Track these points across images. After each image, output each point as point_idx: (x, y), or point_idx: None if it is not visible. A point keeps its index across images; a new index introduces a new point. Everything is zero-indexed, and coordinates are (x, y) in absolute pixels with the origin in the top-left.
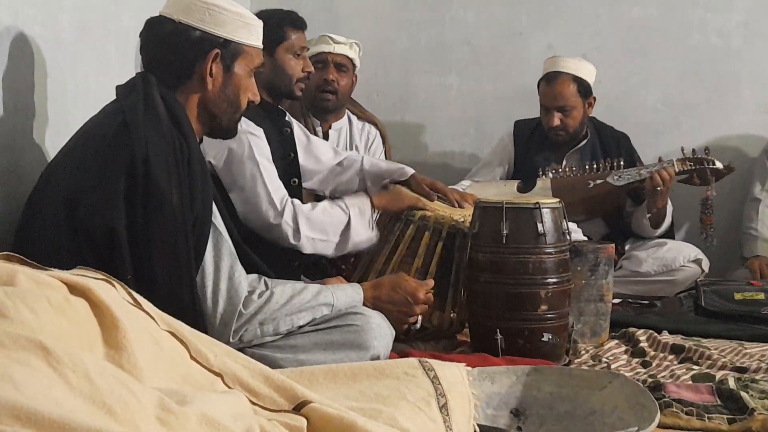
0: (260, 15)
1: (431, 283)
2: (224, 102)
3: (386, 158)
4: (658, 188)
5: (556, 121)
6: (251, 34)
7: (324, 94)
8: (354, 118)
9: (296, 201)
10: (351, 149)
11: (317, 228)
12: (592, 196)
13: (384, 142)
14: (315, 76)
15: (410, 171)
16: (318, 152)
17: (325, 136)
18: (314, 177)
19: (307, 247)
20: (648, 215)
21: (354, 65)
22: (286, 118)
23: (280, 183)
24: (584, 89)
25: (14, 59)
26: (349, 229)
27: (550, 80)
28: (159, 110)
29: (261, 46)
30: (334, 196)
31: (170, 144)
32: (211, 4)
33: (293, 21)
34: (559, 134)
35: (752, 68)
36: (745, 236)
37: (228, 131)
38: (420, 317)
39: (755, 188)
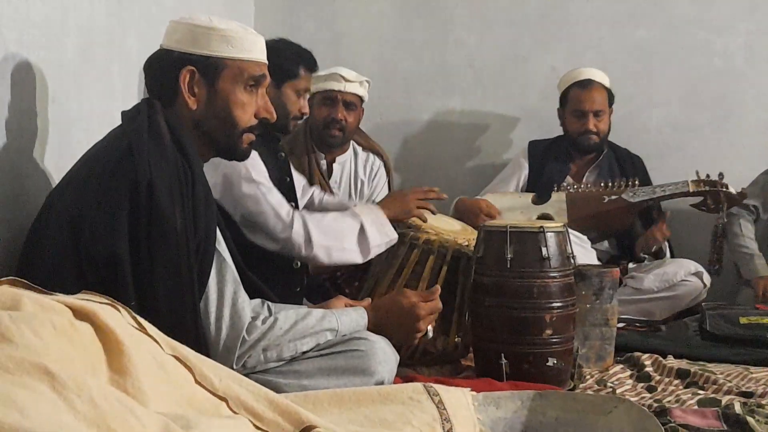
0: (278, 44)
1: (436, 291)
2: (214, 119)
3: (389, 189)
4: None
5: (592, 125)
6: (233, 47)
7: (331, 131)
8: (359, 149)
9: (304, 211)
10: (355, 182)
11: (330, 235)
12: (605, 211)
13: (388, 174)
14: (323, 112)
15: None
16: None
17: (329, 169)
18: None
19: (323, 257)
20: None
21: (362, 100)
22: (279, 143)
23: (283, 197)
24: (611, 98)
25: (18, 83)
26: (365, 235)
27: (585, 86)
28: (163, 135)
29: (250, 58)
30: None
31: (174, 169)
32: (190, 24)
33: (308, 62)
34: (592, 138)
35: (755, 89)
36: (739, 256)
37: (233, 150)
38: (430, 327)
39: None
